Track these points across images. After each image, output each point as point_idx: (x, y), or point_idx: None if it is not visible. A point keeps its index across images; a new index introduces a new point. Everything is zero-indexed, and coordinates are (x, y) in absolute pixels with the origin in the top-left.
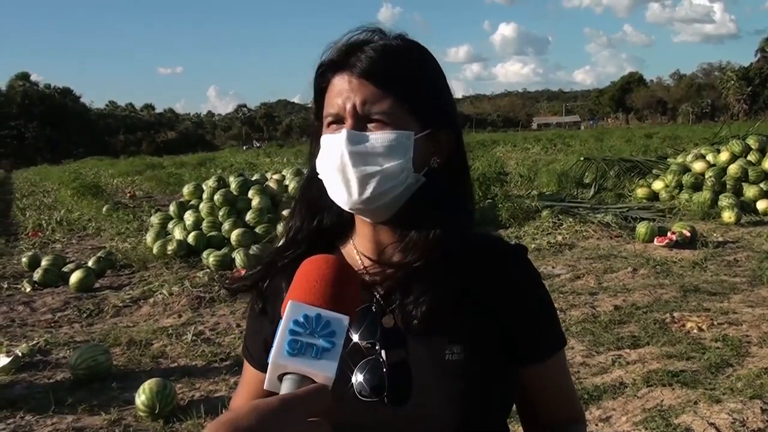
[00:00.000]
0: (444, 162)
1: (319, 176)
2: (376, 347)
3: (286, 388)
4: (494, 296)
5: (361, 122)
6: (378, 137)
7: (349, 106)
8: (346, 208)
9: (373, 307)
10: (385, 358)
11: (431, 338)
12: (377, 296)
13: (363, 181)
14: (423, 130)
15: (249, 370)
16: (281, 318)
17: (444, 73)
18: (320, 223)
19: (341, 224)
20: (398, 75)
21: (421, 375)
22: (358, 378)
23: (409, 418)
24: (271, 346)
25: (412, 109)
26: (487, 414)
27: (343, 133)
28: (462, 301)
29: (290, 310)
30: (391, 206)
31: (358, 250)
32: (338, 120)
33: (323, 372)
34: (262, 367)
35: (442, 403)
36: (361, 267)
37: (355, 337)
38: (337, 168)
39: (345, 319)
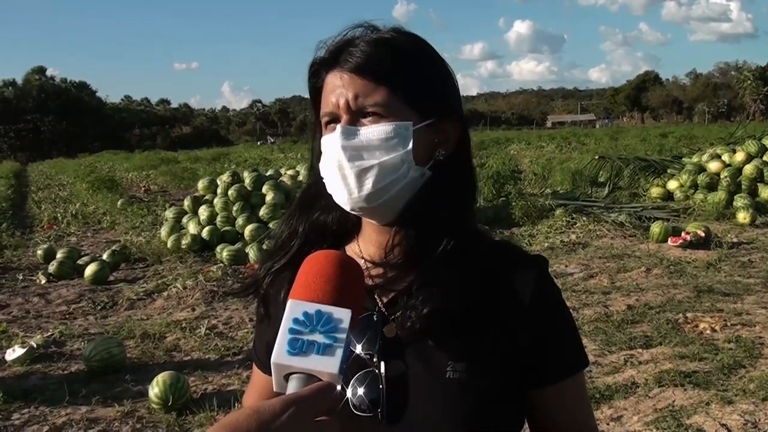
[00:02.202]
0: (451, 154)
1: (320, 183)
2: (374, 359)
3: (292, 387)
4: (507, 310)
5: (356, 117)
6: (372, 130)
7: (342, 102)
8: (348, 208)
9: (375, 315)
10: (383, 371)
11: (432, 352)
12: (380, 304)
13: (360, 176)
14: (423, 120)
15: (257, 372)
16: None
17: (445, 62)
18: (316, 223)
19: (345, 226)
20: (391, 64)
21: (419, 391)
22: (356, 391)
23: None
24: (273, 348)
25: (408, 98)
26: None
27: (337, 130)
28: (471, 314)
29: (290, 309)
30: (396, 203)
31: (362, 254)
32: (334, 119)
33: (326, 368)
34: (267, 369)
35: (441, 424)
36: (366, 272)
37: (358, 348)
38: (336, 166)
39: (346, 313)
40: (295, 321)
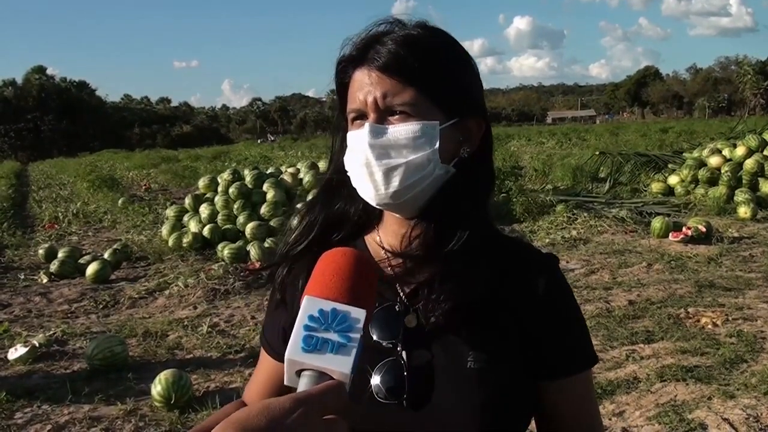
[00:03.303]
0: (474, 151)
1: (343, 174)
2: (398, 348)
3: (303, 384)
4: (522, 306)
5: (383, 115)
6: (401, 129)
7: (370, 100)
8: (373, 203)
9: (397, 306)
10: (406, 360)
11: (453, 343)
12: (401, 294)
13: (387, 174)
14: (449, 120)
15: (265, 359)
16: (299, 309)
17: (470, 59)
18: (337, 212)
19: (366, 217)
20: (419, 65)
21: (440, 380)
22: (375, 379)
23: (426, 424)
24: (288, 334)
25: (435, 99)
26: (505, 426)
27: (366, 128)
28: (489, 307)
29: (306, 306)
30: (420, 199)
31: (383, 244)
32: (361, 115)
33: (339, 368)
34: (278, 356)
35: (461, 412)
36: (386, 262)
37: (375, 336)
38: (363, 163)
39: (361, 313)
40: (311, 318)
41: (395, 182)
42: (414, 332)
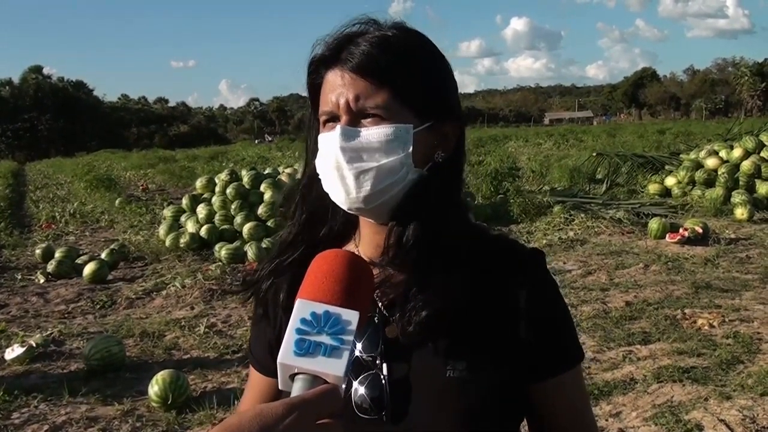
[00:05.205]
0: (449, 156)
1: (318, 177)
2: (377, 360)
3: (297, 388)
4: (505, 306)
5: (356, 118)
6: (373, 132)
7: (342, 102)
8: (345, 207)
9: (376, 318)
10: (386, 372)
11: (432, 353)
12: (380, 305)
13: (359, 178)
14: (423, 123)
15: (254, 374)
16: (283, 319)
17: (447, 62)
18: (320, 228)
19: (345, 228)
20: (393, 67)
21: (420, 391)
22: (357, 392)
23: None
24: (276, 349)
25: (409, 101)
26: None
27: (337, 130)
28: (469, 313)
29: (298, 309)
30: (393, 204)
31: (360, 255)
32: (333, 118)
33: (332, 371)
34: (266, 370)
35: (443, 422)
36: None
37: (358, 348)
38: (333, 166)
39: (354, 315)
40: (303, 321)
41: (367, 186)
42: (394, 344)
